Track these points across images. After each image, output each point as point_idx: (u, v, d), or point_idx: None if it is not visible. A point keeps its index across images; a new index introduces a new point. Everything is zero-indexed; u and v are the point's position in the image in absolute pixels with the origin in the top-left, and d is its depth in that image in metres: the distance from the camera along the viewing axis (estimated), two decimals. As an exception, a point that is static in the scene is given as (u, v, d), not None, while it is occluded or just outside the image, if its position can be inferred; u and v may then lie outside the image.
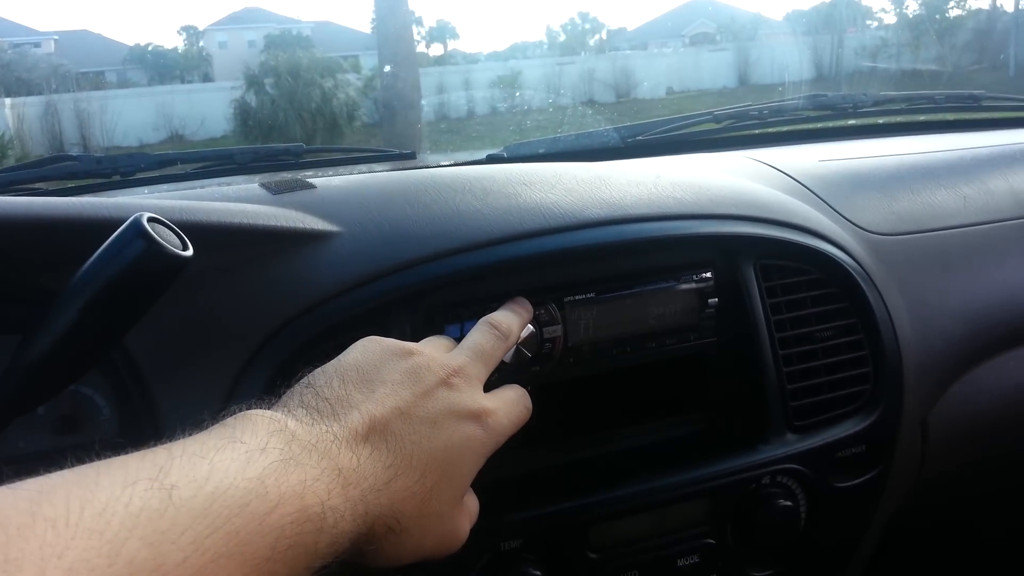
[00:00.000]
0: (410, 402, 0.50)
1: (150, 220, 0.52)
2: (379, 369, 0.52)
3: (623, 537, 0.74)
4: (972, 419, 0.95)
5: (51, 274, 0.63)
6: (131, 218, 0.52)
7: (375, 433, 0.47)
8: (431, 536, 0.49)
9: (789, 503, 0.77)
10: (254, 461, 0.39)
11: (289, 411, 0.47)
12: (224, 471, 0.38)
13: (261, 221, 0.69)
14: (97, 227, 0.59)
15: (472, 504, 0.55)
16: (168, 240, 0.52)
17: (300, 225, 0.71)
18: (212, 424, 0.43)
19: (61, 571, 0.30)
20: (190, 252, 0.53)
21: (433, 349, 0.57)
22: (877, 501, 0.85)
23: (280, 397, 0.50)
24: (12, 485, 0.34)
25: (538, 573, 0.68)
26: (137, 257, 0.50)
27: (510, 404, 0.57)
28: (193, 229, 0.57)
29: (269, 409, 0.47)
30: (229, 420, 0.43)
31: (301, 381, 0.51)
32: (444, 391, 0.53)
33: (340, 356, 0.54)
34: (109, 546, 0.32)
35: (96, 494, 0.33)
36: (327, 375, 0.51)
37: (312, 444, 0.43)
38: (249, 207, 0.70)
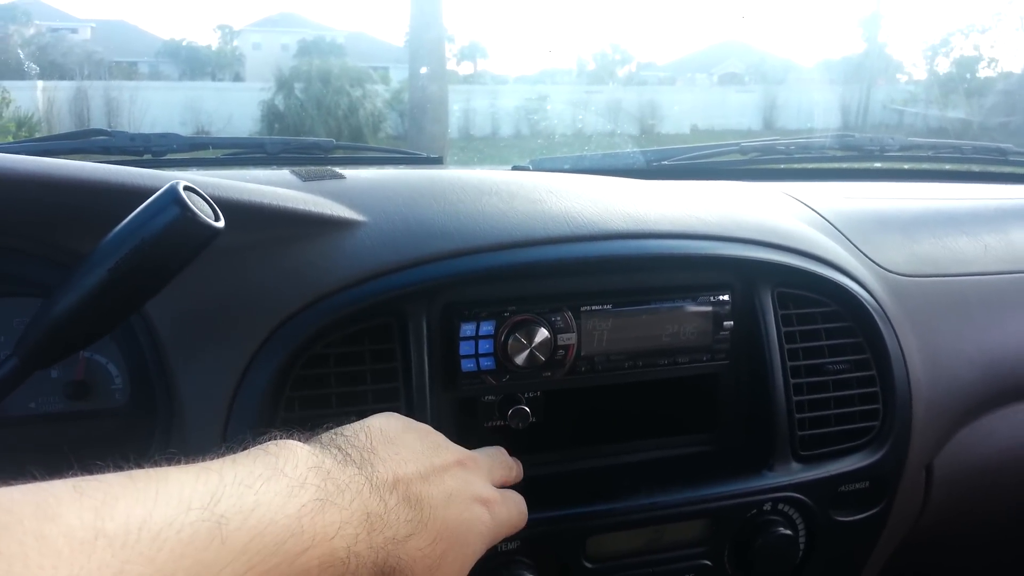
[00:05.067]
0: (429, 471, 0.52)
1: (185, 188, 0.53)
2: (402, 437, 0.54)
3: (620, 550, 0.74)
4: (977, 467, 0.94)
5: (79, 237, 0.64)
6: (167, 185, 0.53)
7: (399, 487, 0.49)
8: None
9: (788, 532, 0.77)
10: (294, 496, 0.41)
11: (324, 448, 0.48)
12: (268, 504, 0.39)
13: (290, 203, 0.70)
14: (131, 194, 0.60)
15: None
16: (201, 209, 0.53)
17: (327, 211, 0.72)
18: (252, 445, 0.45)
19: None
20: (222, 223, 0.54)
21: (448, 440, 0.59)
22: (876, 539, 0.85)
23: (311, 435, 0.51)
24: (76, 484, 0.34)
25: None
26: (171, 223, 0.51)
27: (512, 503, 0.60)
28: (224, 204, 0.58)
29: (306, 443, 0.48)
30: (271, 447, 0.44)
31: (329, 430, 0.53)
32: (458, 471, 0.55)
33: (363, 420, 0.55)
34: (158, 575, 0.33)
35: (154, 515, 0.34)
36: (353, 429, 0.53)
37: (346, 484, 0.45)
38: (279, 190, 0.71)
